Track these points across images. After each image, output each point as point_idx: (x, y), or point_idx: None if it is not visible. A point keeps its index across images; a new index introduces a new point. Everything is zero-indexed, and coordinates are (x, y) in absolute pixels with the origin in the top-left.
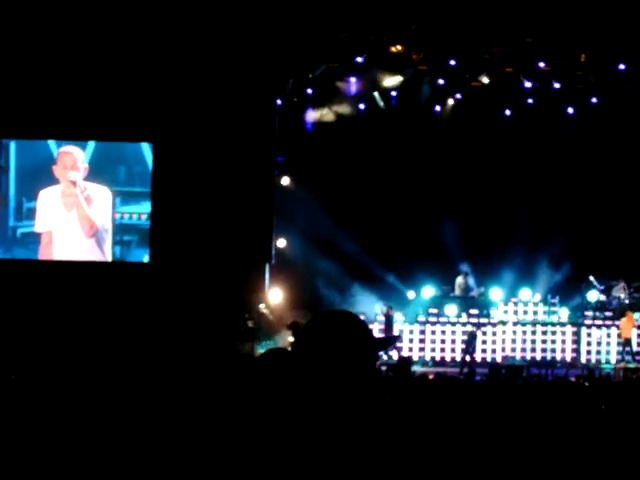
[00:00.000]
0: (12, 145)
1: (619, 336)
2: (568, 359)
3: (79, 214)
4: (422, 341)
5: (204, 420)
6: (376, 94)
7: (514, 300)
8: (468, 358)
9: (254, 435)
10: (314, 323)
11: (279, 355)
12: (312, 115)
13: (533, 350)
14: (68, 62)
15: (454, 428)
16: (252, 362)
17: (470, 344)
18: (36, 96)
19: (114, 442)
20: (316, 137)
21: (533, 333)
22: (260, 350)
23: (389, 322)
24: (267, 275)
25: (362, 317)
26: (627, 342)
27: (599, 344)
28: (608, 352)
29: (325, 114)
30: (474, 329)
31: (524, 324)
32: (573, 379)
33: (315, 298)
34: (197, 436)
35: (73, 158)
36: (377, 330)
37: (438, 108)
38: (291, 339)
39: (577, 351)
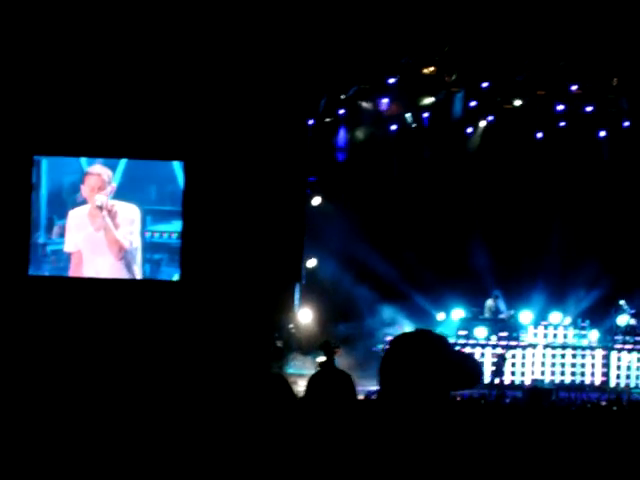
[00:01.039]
0: (44, 162)
1: None
2: (597, 383)
3: (107, 236)
4: None
5: (232, 438)
6: (408, 115)
7: (544, 323)
8: (497, 380)
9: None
10: (404, 343)
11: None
12: (344, 135)
13: (562, 373)
14: (102, 79)
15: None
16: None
17: (499, 366)
18: (68, 113)
19: (138, 459)
20: (348, 157)
21: (562, 357)
22: (289, 370)
23: None
24: (297, 295)
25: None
26: None
27: (629, 368)
28: (638, 377)
29: (356, 134)
30: (504, 351)
31: (554, 347)
32: (603, 403)
33: (344, 319)
34: (227, 456)
35: (100, 180)
36: None
37: (470, 130)
38: (322, 359)
39: (606, 375)
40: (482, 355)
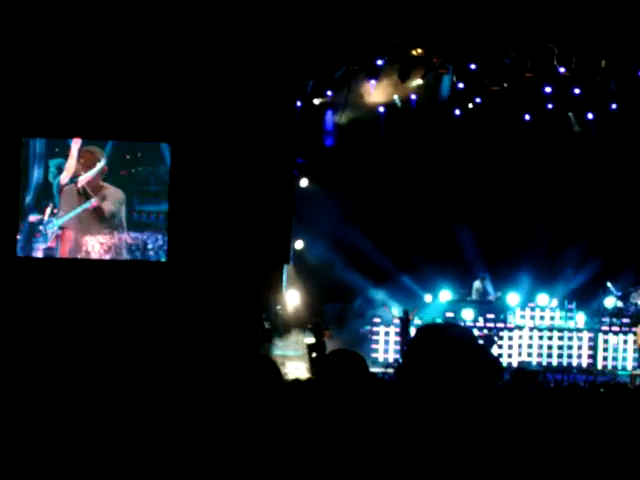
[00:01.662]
0: (31, 143)
1: (635, 343)
2: (584, 365)
3: (95, 214)
4: None
5: (219, 421)
6: (396, 97)
7: (531, 305)
8: None
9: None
10: (426, 336)
11: (348, 358)
12: (332, 116)
13: (549, 356)
14: (89, 62)
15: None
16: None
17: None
18: (56, 95)
19: (123, 444)
20: (336, 140)
21: (549, 339)
22: (277, 351)
23: (405, 326)
24: (285, 276)
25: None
26: None
27: (615, 350)
28: (624, 359)
29: (344, 116)
30: (491, 333)
31: (540, 329)
32: (589, 385)
33: (332, 300)
34: (213, 439)
35: (93, 158)
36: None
37: (458, 112)
38: (310, 340)
39: (593, 357)
40: None
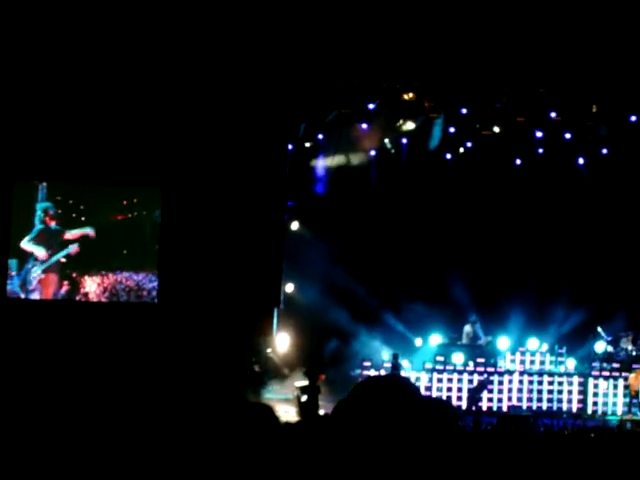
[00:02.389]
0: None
1: (626, 388)
2: (574, 410)
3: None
4: (428, 389)
5: (210, 465)
6: (387, 141)
7: (521, 349)
8: (474, 407)
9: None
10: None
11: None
12: (323, 160)
13: (539, 400)
14: (82, 107)
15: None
16: (268, 407)
17: (478, 392)
18: (48, 139)
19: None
20: (327, 183)
21: (540, 383)
22: (266, 395)
23: (396, 370)
24: (275, 320)
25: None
26: (637, 394)
27: (605, 395)
28: (615, 404)
29: (336, 160)
30: (485, 377)
31: (531, 374)
32: (579, 430)
33: (323, 344)
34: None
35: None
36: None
37: (449, 156)
38: (301, 383)
39: (584, 402)
40: (460, 381)
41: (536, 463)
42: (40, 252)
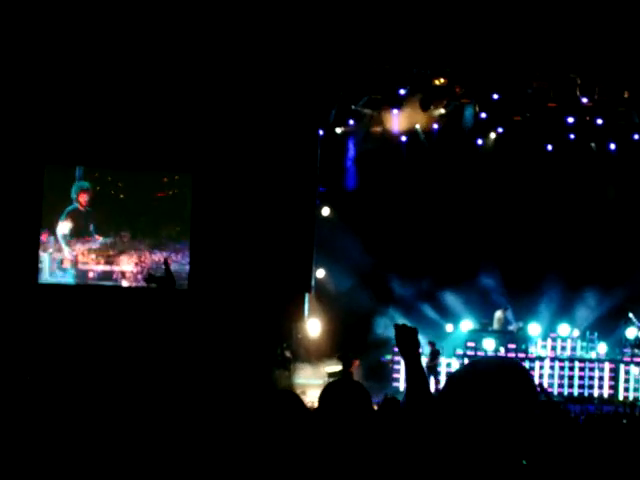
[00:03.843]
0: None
1: None
2: (605, 395)
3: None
4: None
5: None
6: (418, 126)
7: (552, 335)
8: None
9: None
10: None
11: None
12: (353, 147)
13: (570, 386)
14: (114, 93)
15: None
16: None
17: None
18: (79, 124)
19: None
20: (358, 168)
21: (571, 369)
22: (298, 380)
23: (436, 356)
24: (306, 305)
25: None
26: None
27: (637, 381)
28: None
29: (366, 145)
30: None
31: (562, 360)
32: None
33: (353, 329)
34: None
35: None
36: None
37: (480, 141)
38: (332, 369)
39: (615, 387)
40: None
41: (570, 448)
42: (74, 231)
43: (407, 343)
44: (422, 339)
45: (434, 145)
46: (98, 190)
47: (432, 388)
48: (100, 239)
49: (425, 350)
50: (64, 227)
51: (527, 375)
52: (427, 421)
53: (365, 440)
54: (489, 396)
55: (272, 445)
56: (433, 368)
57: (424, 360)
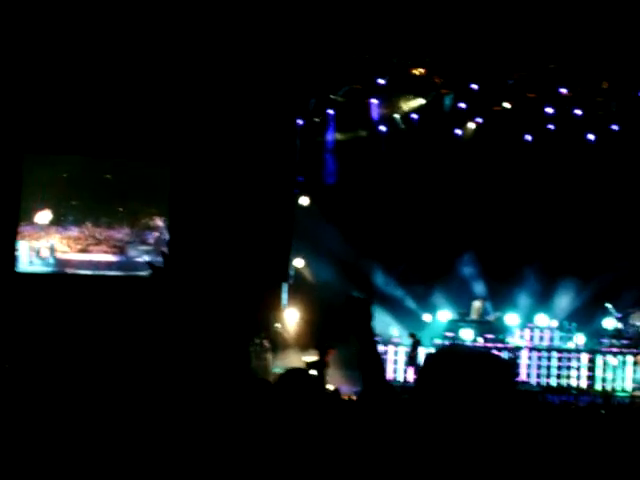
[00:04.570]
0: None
1: (635, 364)
2: (583, 386)
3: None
4: None
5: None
6: (397, 116)
7: (530, 325)
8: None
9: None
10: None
11: (299, 376)
12: (332, 136)
13: (548, 376)
14: (92, 79)
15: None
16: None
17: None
18: (57, 112)
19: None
20: (336, 158)
21: (549, 359)
22: (275, 370)
23: (416, 347)
24: (284, 295)
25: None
26: None
27: (614, 372)
28: (623, 380)
29: (345, 135)
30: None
31: (539, 350)
32: (587, 406)
33: (331, 319)
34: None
35: None
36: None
37: (459, 132)
38: (309, 358)
39: (592, 378)
40: None
41: (548, 438)
42: (52, 220)
43: (359, 317)
44: (402, 330)
45: (413, 135)
46: (76, 178)
47: (412, 379)
48: (78, 227)
49: (406, 342)
50: (42, 216)
51: (504, 364)
52: (382, 408)
53: (317, 428)
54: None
55: (248, 433)
56: (414, 359)
57: (404, 350)
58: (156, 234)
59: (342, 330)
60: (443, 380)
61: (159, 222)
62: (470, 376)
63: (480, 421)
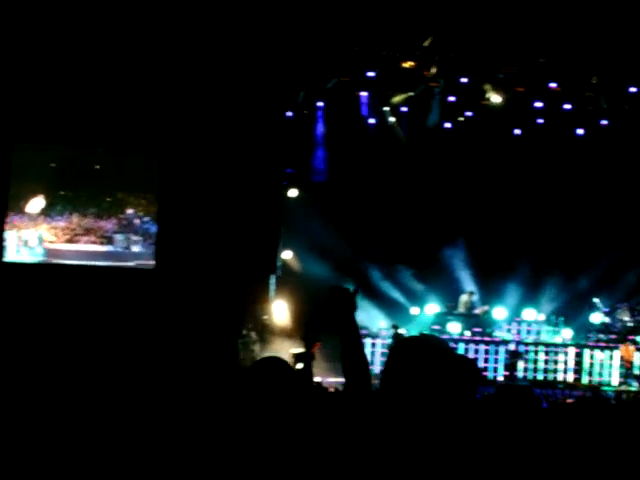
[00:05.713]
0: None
1: (622, 359)
2: (570, 380)
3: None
4: None
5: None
6: (386, 109)
7: (517, 320)
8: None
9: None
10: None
11: (273, 364)
12: (322, 128)
13: (535, 370)
14: (80, 69)
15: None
16: (245, 371)
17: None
18: (45, 102)
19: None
20: (325, 151)
21: (535, 353)
22: None
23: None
24: (272, 287)
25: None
26: (631, 366)
27: (601, 366)
28: (610, 374)
29: (335, 128)
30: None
31: (527, 344)
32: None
33: (318, 311)
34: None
35: None
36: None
37: (448, 125)
38: (297, 350)
39: (579, 372)
40: (455, 351)
41: (537, 432)
42: (40, 210)
43: (342, 307)
44: (389, 323)
45: (402, 127)
46: (66, 169)
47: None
48: (66, 217)
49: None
50: (33, 204)
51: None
52: (363, 400)
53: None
54: (425, 376)
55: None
56: None
57: (383, 342)
58: (144, 225)
59: (328, 322)
60: (405, 371)
61: (147, 213)
62: (431, 368)
63: (439, 413)
